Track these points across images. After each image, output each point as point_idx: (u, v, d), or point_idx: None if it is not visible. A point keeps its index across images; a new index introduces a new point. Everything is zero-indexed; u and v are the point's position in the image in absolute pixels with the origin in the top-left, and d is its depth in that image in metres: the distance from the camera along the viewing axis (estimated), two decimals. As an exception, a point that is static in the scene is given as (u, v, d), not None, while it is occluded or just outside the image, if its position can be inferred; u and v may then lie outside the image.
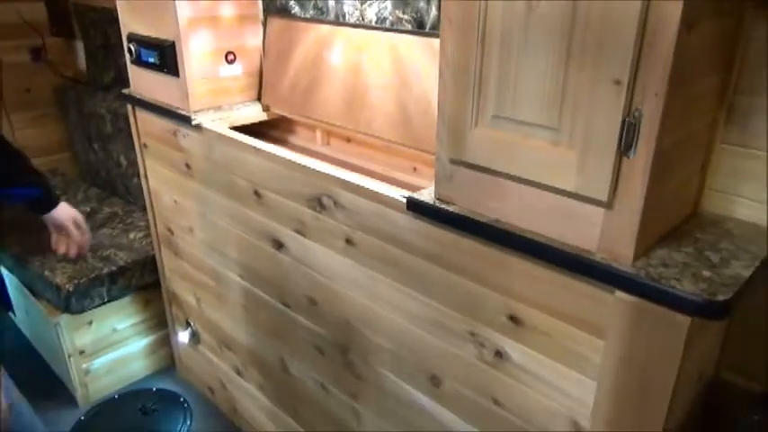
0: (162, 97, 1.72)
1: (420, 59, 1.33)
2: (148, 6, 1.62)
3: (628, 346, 0.86)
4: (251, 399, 1.92)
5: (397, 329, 1.25)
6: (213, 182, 1.65)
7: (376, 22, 1.45)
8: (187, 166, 1.73)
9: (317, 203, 1.31)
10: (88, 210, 2.48)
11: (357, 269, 1.28)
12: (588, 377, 0.94)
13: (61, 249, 1.72)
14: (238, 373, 1.93)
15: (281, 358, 1.67)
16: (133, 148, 1.99)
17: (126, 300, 2.17)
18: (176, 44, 1.56)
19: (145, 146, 1.92)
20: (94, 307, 2.07)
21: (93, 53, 2.59)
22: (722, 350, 1.07)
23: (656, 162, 0.78)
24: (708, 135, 0.94)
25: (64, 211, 1.67)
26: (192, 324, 2.09)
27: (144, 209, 2.30)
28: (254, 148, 1.44)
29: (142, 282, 2.17)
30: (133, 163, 2.42)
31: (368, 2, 1.45)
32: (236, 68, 1.69)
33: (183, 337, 2.12)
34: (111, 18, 2.35)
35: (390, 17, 1.42)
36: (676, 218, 0.95)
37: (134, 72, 1.80)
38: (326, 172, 1.27)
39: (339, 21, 1.54)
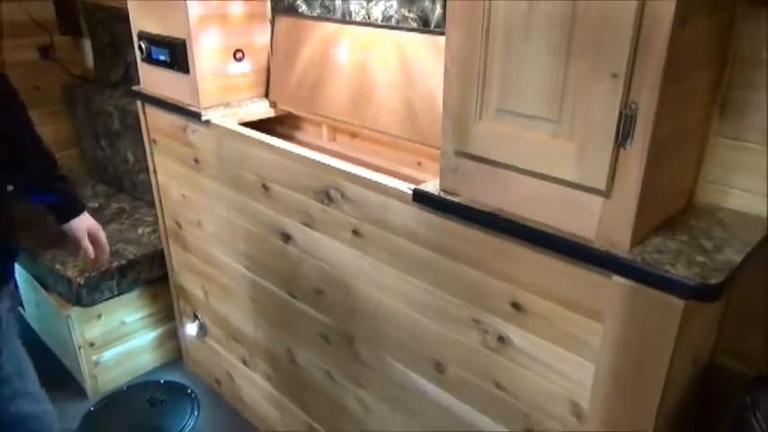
0: (172, 94, 1.76)
1: (425, 57, 1.37)
2: (159, 5, 1.67)
3: (625, 329, 0.91)
4: (258, 389, 1.96)
5: (402, 318, 1.29)
6: (222, 176, 1.69)
7: (382, 21, 1.49)
8: (196, 161, 1.77)
9: (325, 196, 1.35)
10: (96, 205, 2.53)
11: (363, 259, 1.32)
12: (587, 360, 0.98)
13: (79, 256, 1.61)
14: (245, 364, 1.97)
15: (287, 348, 1.71)
16: (140, 145, 2.03)
17: (134, 293, 2.22)
18: (187, 42, 1.61)
19: (154, 141, 1.96)
20: (104, 300, 2.11)
21: (100, 51, 2.64)
22: (718, 337, 1.11)
23: (651, 153, 0.82)
24: (703, 128, 0.98)
25: (81, 222, 1.55)
26: (199, 317, 2.13)
27: (150, 204, 2.34)
28: (263, 142, 1.48)
29: (150, 275, 2.21)
30: (140, 159, 2.46)
31: (374, 0, 1.49)
32: (245, 66, 1.73)
33: (191, 329, 2.17)
34: (119, 16, 2.39)
35: (396, 15, 1.46)
36: (672, 208, 0.99)
37: (144, 69, 1.84)
38: (334, 165, 1.31)
39: (345, 19, 1.58)
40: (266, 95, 1.81)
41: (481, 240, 1.06)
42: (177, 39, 1.63)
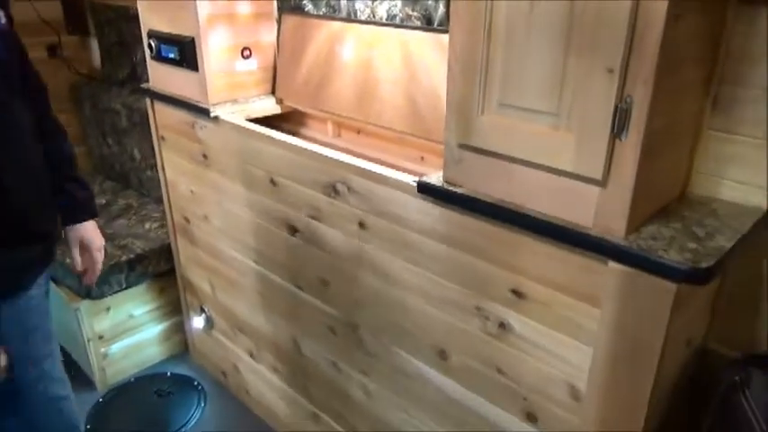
0: (181, 91, 1.80)
1: (429, 54, 1.41)
2: (169, 5, 1.71)
3: (620, 313, 0.95)
4: (264, 381, 2.00)
5: (406, 307, 1.33)
6: (230, 171, 1.73)
7: (386, 19, 1.54)
8: (204, 156, 1.82)
9: (332, 190, 1.40)
10: (104, 202, 2.58)
11: (369, 250, 1.37)
12: (585, 344, 1.02)
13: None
14: (251, 356, 2.01)
15: (293, 340, 1.76)
16: (147, 142, 2.07)
17: (142, 287, 2.26)
18: (196, 40, 1.65)
19: (162, 138, 2.00)
20: (113, 293, 2.16)
21: (107, 50, 2.68)
22: (711, 322, 1.15)
23: (645, 144, 0.86)
24: (695, 121, 1.03)
25: (77, 231, 1.43)
26: (206, 310, 2.17)
27: (157, 201, 2.39)
28: (272, 138, 1.52)
29: (158, 269, 2.25)
30: (147, 156, 2.51)
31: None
32: (252, 63, 1.78)
33: (198, 322, 2.21)
34: (127, 15, 2.44)
35: (400, 14, 1.50)
36: (666, 198, 1.04)
37: (153, 67, 1.89)
38: (342, 160, 1.35)
39: (351, 18, 1.63)
40: (273, 92, 1.86)
41: (483, 230, 1.11)
42: (186, 37, 1.67)
